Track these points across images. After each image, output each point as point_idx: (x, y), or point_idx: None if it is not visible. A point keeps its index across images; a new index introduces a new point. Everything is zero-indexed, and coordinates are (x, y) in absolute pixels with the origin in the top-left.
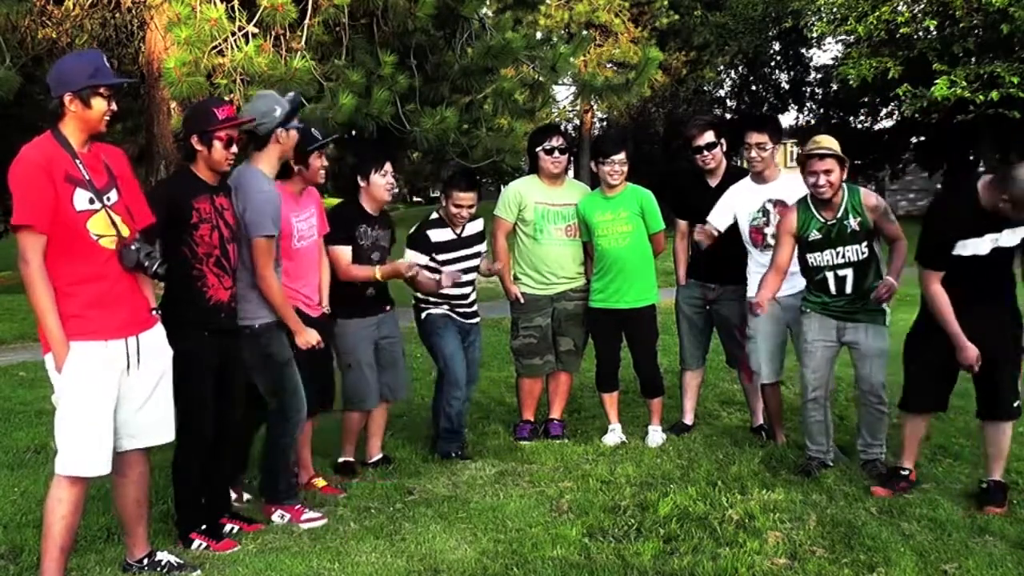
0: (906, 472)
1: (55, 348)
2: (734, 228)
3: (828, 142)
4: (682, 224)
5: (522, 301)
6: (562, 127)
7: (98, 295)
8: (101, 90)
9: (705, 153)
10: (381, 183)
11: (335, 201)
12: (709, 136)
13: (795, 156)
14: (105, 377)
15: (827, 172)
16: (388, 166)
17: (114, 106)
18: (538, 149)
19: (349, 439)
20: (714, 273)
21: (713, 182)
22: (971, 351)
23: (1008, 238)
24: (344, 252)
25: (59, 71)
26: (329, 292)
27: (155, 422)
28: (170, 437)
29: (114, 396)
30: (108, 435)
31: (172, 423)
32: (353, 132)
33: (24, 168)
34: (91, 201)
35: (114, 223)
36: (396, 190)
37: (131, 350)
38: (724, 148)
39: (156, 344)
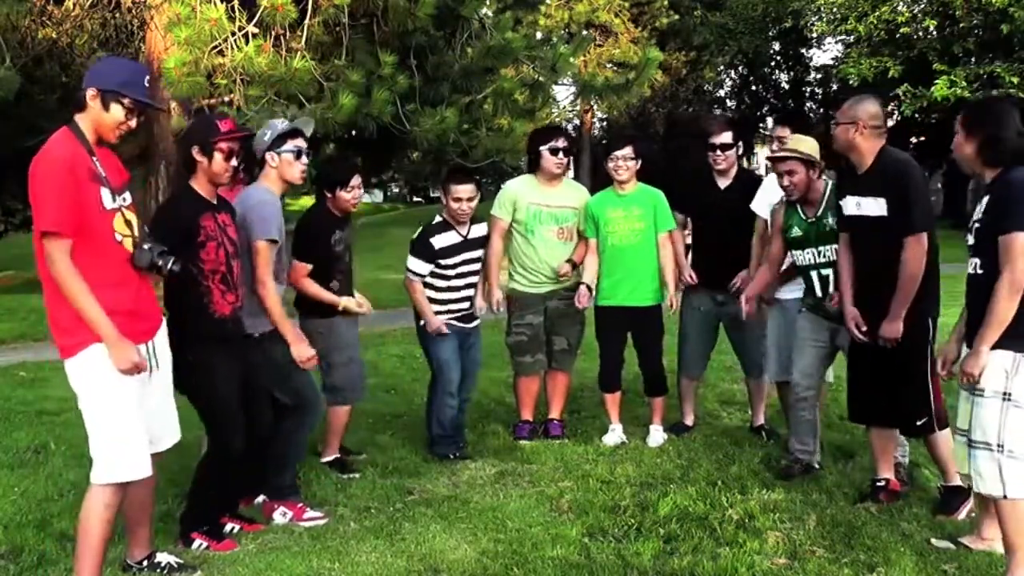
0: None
1: (113, 344)
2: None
3: (794, 143)
4: (679, 216)
5: (498, 310)
6: (564, 127)
7: (123, 299)
8: (125, 101)
9: (718, 152)
10: (347, 197)
11: (311, 201)
12: (726, 136)
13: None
14: (133, 381)
15: (789, 173)
16: (355, 180)
17: (132, 123)
18: (543, 148)
19: (336, 435)
20: (720, 280)
21: (723, 183)
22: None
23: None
24: (303, 267)
25: (98, 66)
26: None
27: (169, 425)
28: (178, 438)
29: (141, 399)
30: (144, 436)
31: (178, 424)
32: (353, 132)
33: (50, 169)
34: (113, 200)
35: (129, 223)
36: (362, 198)
37: (150, 354)
38: (739, 151)
39: (165, 346)
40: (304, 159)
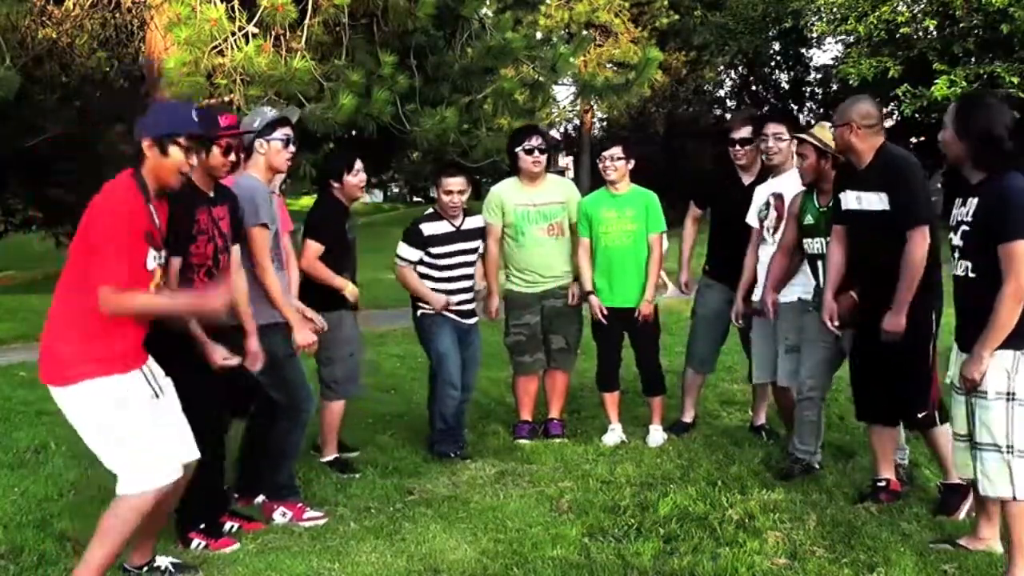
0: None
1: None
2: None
3: (817, 129)
4: (696, 210)
5: (496, 317)
6: (548, 127)
7: (139, 336)
8: (180, 140)
9: (737, 147)
10: (354, 182)
11: (311, 201)
12: (746, 131)
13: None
14: (144, 400)
15: (800, 156)
16: (358, 164)
17: (193, 160)
18: (518, 149)
19: (333, 432)
20: (739, 278)
21: (747, 180)
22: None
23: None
24: (316, 247)
25: (146, 117)
26: (314, 288)
27: (187, 439)
28: (197, 455)
29: (155, 417)
30: (169, 439)
31: (194, 442)
32: (353, 132)
33: (114, 223)
34: (155, 259)
35: (158, 280)
36: (365, 183)
37: (149, 379)
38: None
39: (160, 373)
40: (291, 147)
